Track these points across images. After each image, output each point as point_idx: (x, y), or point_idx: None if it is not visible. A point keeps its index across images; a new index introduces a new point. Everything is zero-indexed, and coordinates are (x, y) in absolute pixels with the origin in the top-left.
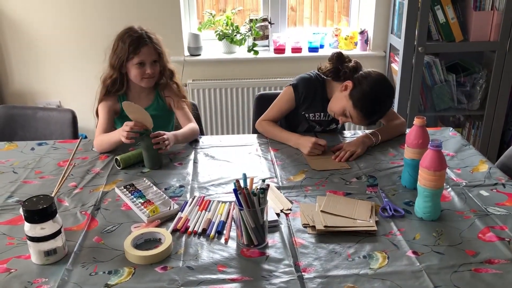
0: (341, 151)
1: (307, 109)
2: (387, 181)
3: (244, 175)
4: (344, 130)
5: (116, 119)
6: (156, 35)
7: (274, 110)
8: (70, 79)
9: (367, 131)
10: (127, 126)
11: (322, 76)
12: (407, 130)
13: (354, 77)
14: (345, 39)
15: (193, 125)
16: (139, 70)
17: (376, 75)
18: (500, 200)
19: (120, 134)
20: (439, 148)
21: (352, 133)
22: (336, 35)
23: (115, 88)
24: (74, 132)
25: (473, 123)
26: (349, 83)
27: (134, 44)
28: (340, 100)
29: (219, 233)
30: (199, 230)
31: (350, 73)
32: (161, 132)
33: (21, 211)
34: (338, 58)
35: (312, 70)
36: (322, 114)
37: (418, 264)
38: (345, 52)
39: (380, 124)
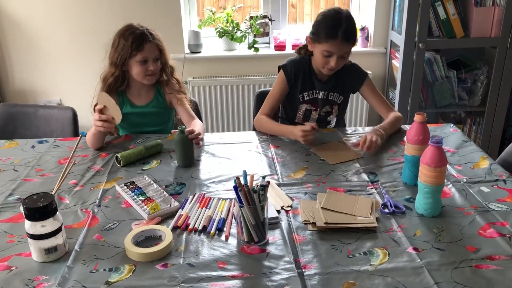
0: (363, 139)
1: (299, 89)
2: (387, 178)
3: (245, 172)
4: (343, 116)
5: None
6: (156, 32)
7: (269, 100)
8: (70, 77)
9: (371, 128)
10: (96, 115)
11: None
12: (407, 127)
13: None
14: None
15: (200, 121)
16: (142, 67)
17: None
18: (501, 196)
19: (94, 125)
20: (440, 144)
21: (353, 129)
22: None
23: (117, 85)
24: (75, 130)
25: (474, 120)
26: (307, 37)
27: (137, 41)
28: (314, 53)
29: (220, 230)
30: (200, 227)
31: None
32: (193, 129)
33: (21, 208)
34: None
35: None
36: (314, 92)
37: (419, 260)
38: None
39: (380, 120)
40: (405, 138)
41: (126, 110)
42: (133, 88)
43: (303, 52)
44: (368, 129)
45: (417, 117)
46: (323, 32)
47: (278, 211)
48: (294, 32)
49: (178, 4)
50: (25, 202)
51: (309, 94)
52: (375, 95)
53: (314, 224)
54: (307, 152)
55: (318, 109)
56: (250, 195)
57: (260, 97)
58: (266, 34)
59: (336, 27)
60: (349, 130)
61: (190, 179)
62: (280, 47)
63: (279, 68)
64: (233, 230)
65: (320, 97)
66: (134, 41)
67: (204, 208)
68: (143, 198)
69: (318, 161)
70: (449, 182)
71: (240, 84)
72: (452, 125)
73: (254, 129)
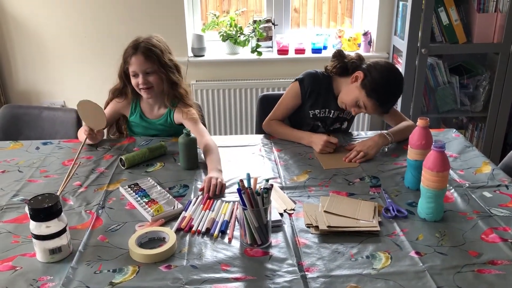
0: (353, 151)
1: (312, 106)
2: (390, 182)
3: (248, 175)
4: (349, 130)
5: (128, 122)
6: (158, 45)
7: (281, 108)
8: (74, 80)
9: (382, 131)
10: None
11: (329, 73)
12: None
13: (363, 67)
14: (349, 40)
15: (214, 145)
16: (135, 81)
17: (385, 63)
18: (503, 202)
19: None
20: (443, 149)
21: (355, 134)
22: (339, 37)
23: (121, 95)
24: None
25: (476, 125)
26: (359, 74)
27: (125, 54)
28: (352, 91)
29: (223, 232)
30: (203, 230)
31: (357, 64)
32: (210, 179)
33: (26, 209)
34: (340, 54)
35: (318, 69)
36: (326, 110)
37: (421, 264)
38: (347, 53)
39: (384, 125)
40: (407, 143)
41: (135, 119)
42: (145, 102)
43: (332, 70)
44: (370, 133)
45: (420, 122)
46: (376, 96)
47: (281, 214)
48: (297, 36)
49: (182, 7)
50: (31, 202)
51: (320, 112)
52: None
53: (316, 227)
54: (310, 155)
55: (327, 126)
56: (254, 198)
57: (263, 101)
58: (269, 38)
59: (389, 102)
60: (353, 134)
61: (194, 182)
62: (283, 51)
63: (296, 79)
64: (236, 233)
65: (331, 116)
66: (124, 55)
67: (207, 211)
68: (146, 200)
69: (320, 164)
70: (451, 187)
71: (243, 87)
72: (454, 130)
73: (257, 133)
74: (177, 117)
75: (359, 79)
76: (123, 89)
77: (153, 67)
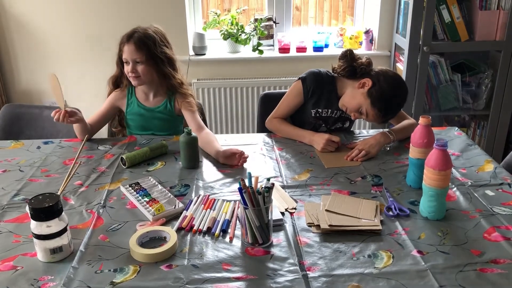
0: (355, 150)
1: (314, 104)
2: (392, 181)
3: (249, 174)
4: (350, 128)
5: (127, 120)
6: (152, 37)
7: (283, 106)
8: (75, 79)
9: (384, 130)
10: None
11: (332, 73)
12: None
13: (372, 75)
14: (350, 38)
15: (211, 133)
16: (126, 67)
17: (393, 75)
18: (506, 200)
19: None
20: (445, 147)
21: (357, 132)
22: (341, 35)
23: (118, 83)
24: None
25: (478, 123)
26: (367, 81)
27: (120, 41)
28: (356, 97)
29: (224, 231)
30: (204, 229)
31: (366, 69)
32: (230, 150)
33: (27, 209)
34: (351, 56)
35: (322, 68)
36: (329, 110)
37: (423, 263)
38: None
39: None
40: (409, 141)
41: (133, 109)
42: (139, 90)
43: (340, 72)
44: (372, 131)
45: (421, 120)
46: (380, 106)
47: (282, 213)
48: (298, 34)
49: (183, 6)
50: (31, 202)
51: (323, 111)
52: None
53: (318, 226)
54: (311, 154)
55: (329, 126)
56: (255, 197)
57: (265, 100)
58: (271, 36)
59: (391, 114)
60: (355, 133)
61: (195, 181)
62: (284, 49)
63: (299, 78)
64: (238, 232)
65: (333, 116)
66: (120, 42)
67: (208, 210)
68: (147, 199)
69: (322, 163)
70: (453, 186)
71: (244, 86)
72: (456, 128)
73: (258, 131)
74: (177, 105)
75: (366, 86)
76: (121, 77)
77: (142, 58)
